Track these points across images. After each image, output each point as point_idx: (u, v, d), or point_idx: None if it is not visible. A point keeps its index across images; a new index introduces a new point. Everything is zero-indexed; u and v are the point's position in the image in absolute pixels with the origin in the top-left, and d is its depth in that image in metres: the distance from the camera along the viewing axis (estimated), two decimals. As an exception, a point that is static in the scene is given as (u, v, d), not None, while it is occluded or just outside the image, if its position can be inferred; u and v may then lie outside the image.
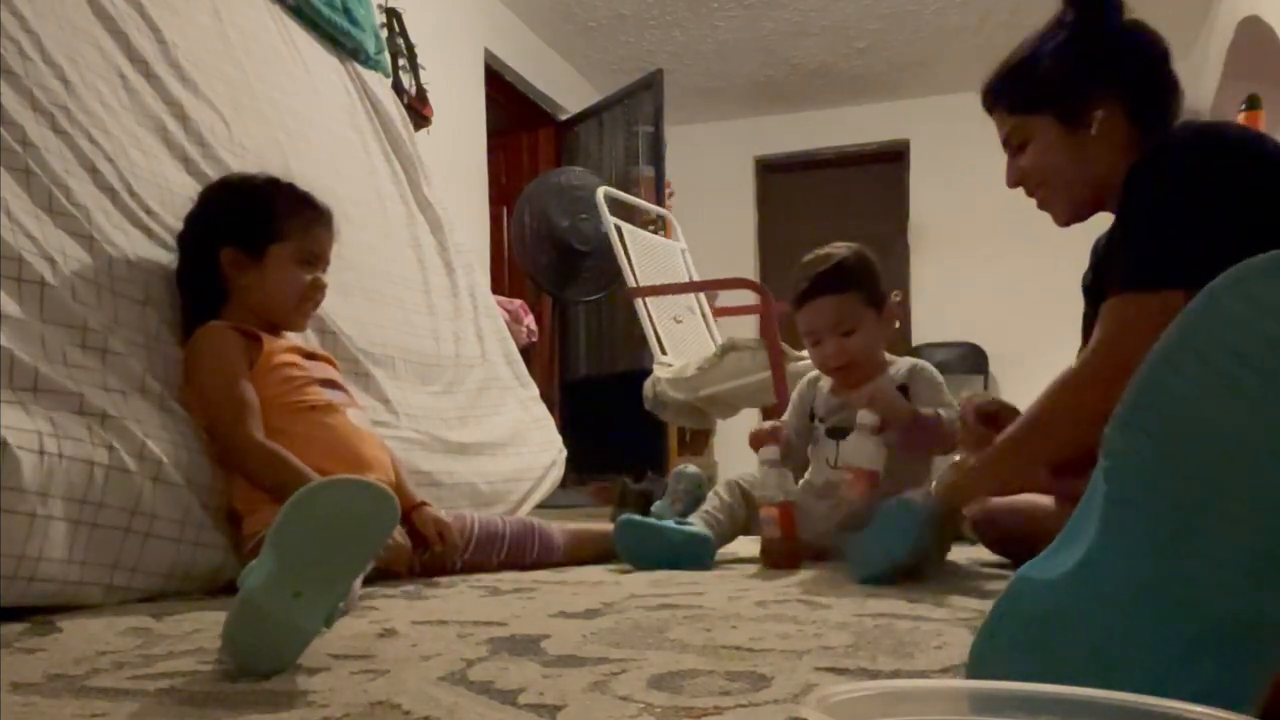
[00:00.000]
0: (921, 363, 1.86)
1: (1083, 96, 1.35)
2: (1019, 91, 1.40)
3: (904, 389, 1.80)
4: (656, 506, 1.99)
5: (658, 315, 3.22)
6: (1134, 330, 1.16)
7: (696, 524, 1.75)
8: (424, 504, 1.62)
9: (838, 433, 1.82)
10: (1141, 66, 1.37)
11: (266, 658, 0.83)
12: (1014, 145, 1.43)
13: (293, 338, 1.68)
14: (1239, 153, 1.23)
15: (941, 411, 1.73)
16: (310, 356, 1.64)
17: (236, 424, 1.42)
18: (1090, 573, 0.59)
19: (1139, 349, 0.59)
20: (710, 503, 1.82)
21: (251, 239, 1.56)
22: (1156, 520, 0.58)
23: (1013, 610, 0.61)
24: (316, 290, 1.63)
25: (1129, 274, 1.23)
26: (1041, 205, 1.44)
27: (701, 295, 3.64)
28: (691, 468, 2.04)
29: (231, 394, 1.45)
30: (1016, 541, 1.58)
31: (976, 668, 0.62)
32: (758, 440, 1.79)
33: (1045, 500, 1.55)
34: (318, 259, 1.63)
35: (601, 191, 3.40)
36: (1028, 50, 1.40)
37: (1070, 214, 1.42)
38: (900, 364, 1.86)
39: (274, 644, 0.84)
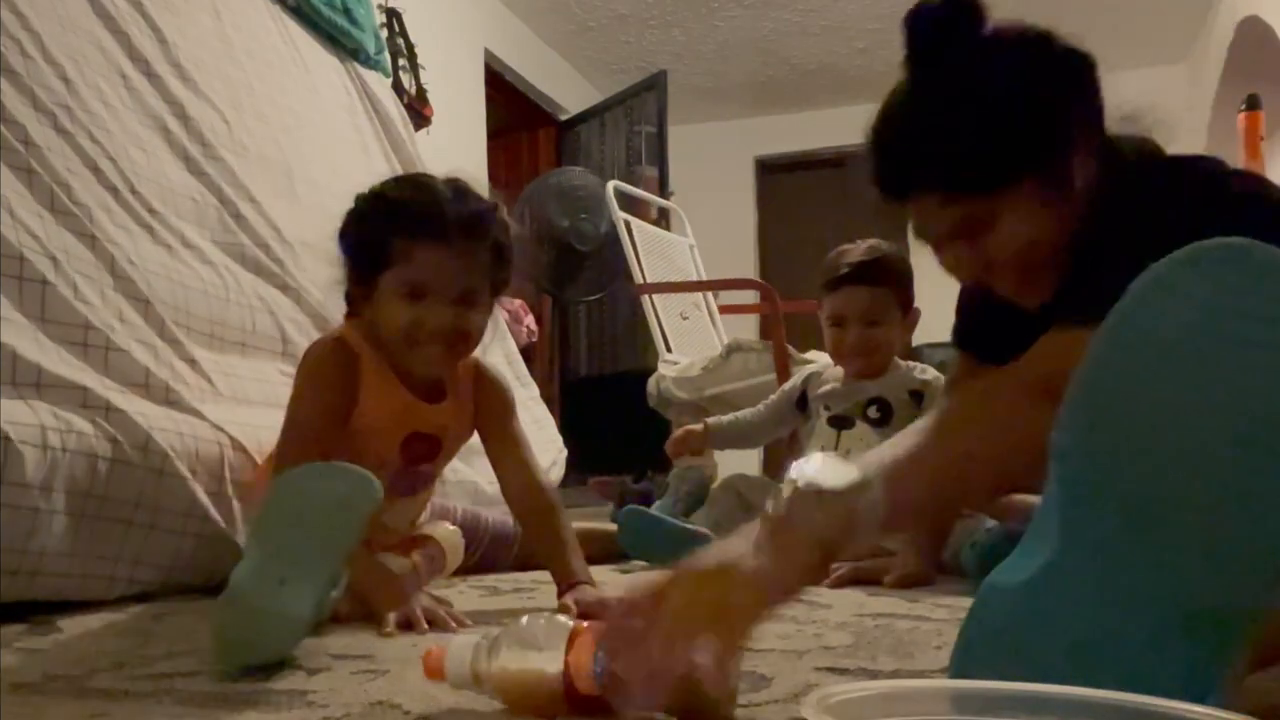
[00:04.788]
0: (937, 374, 1.89)
1: (1065, 142, 0.98)
2: (983, 163, 0.98)
3: (918, 395, 1.81)
4: (658, 505, 1.99)
5: (664, 312, 3.22)
6: None
7: (699, 526, 1.75)
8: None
9: (840, 421, 1.82)
10: (1096, 83, 1.03)
11: (260, 649, 0.84)
12: (966, 232, 1.01)
13: (441, 396, 1.38)
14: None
15: None
16: (422, 436, 1.35)
17: (288, 462, 1.20)
18: (1055, 574, 0.59)
19: None
20: (710, 506, 1.83)
21: (361, 268, 1.30)
22: (1111, 515, 0.58)
23: (985, 618, 0.62)
24: (429, 330, 1.26)
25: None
26: (1017, 292, 1.05)
27: (708, 292, 3.64)
28: (696, 466, 2.05)
29: (303, 429, 1.27)
30: None
31: (958, 677, 0.62)
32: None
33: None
34: (428, 290, 1.25)
35: (612, 186, 3.40)
36: (970, 98, 0.98)
37: (1053, 291, 1.03)
38: (916, 368, 1.87)
39: (265, 634, 0.84)
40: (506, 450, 1.39)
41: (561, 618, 0.71)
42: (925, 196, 1.03)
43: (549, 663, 0.67)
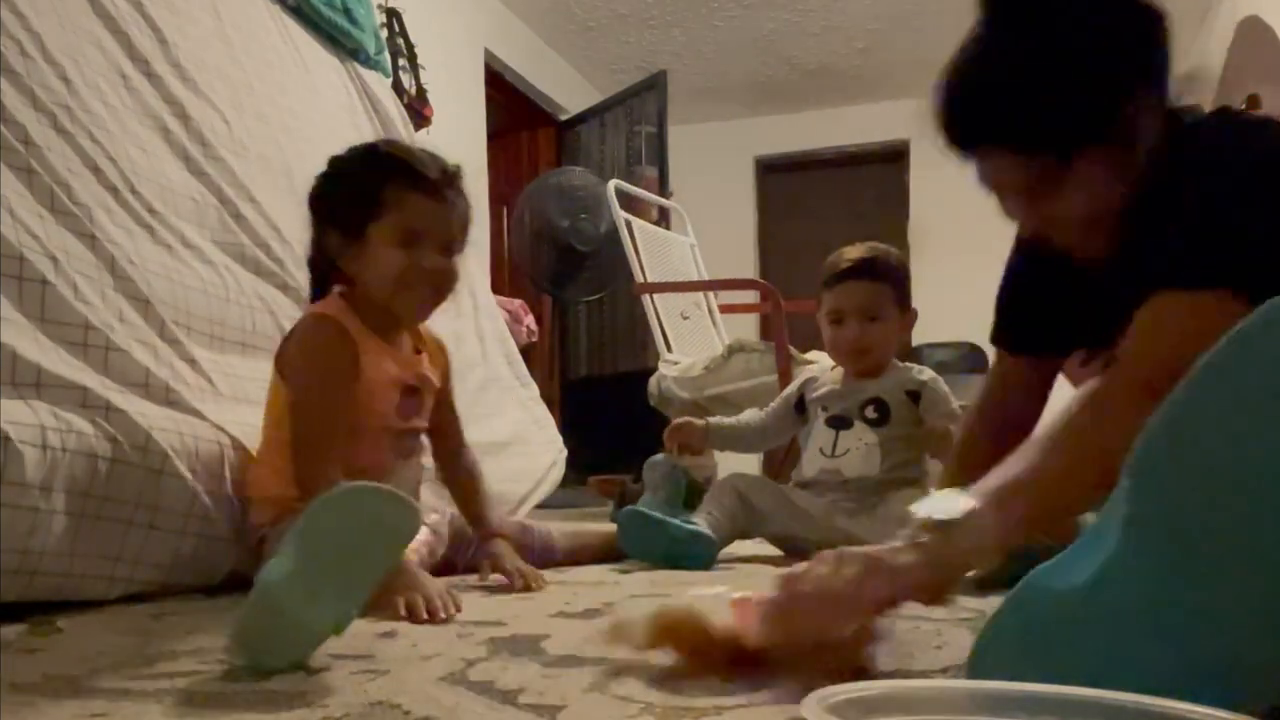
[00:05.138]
0: (934, 374, 1.90)
1: (1138, 103, 0.97)
2: (1061, 128, 0.96)
3: (915, 395, 1.82)
4: (642, 501, 1.98)
5: (665, 312, 3.22)
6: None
7: (700, 524, 1.75)
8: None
9: (839, 421, 1.84)
10: (1167, 37, 1.00)
11: (277, 654, 0.84)
12: (1033, 192, 1.02)
13: (413, 348, 1.51)
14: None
15: (953, 428, 1.76)
16: (411, 389, 1.46)
17: (316, 458, 1.31)
18: (1102, 589, 0.59)
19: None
20: (710, 506, 1.83)
21: (349, 219, 1.38)
22: (1172, 547, 0.57)
23: (1019, 614, 0.61)
24: (421, 273, 1.37)
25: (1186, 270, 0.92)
26: (1074, 247, 1.06)
27: (709, 292, 3.64)
28: (661, 455, 2.05)
29: (324, 420, 1.33)
30: None
31: (977, 667, 0.62)
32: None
33: None
34: (420, 237, 1.36)
35: (613, 185, 3.40)
36: (1050, 60, 0.95)
37: (1109, 245, 1.05)
38: (914, 369, 1.88)
39: (286, 641, 0.84)
40: (448, 410, 1.57)
41: (720, 588, 0.88)
42: (994, 152, 1.01)
43: (719, 625, 0.81)
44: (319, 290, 1.46)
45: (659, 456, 2.03)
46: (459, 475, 1.57)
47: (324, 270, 1.45)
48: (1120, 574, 0.58)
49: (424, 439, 1.54)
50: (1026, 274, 1.26)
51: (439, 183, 1.38)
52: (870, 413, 1.83)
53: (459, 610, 1.15)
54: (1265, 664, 0.55)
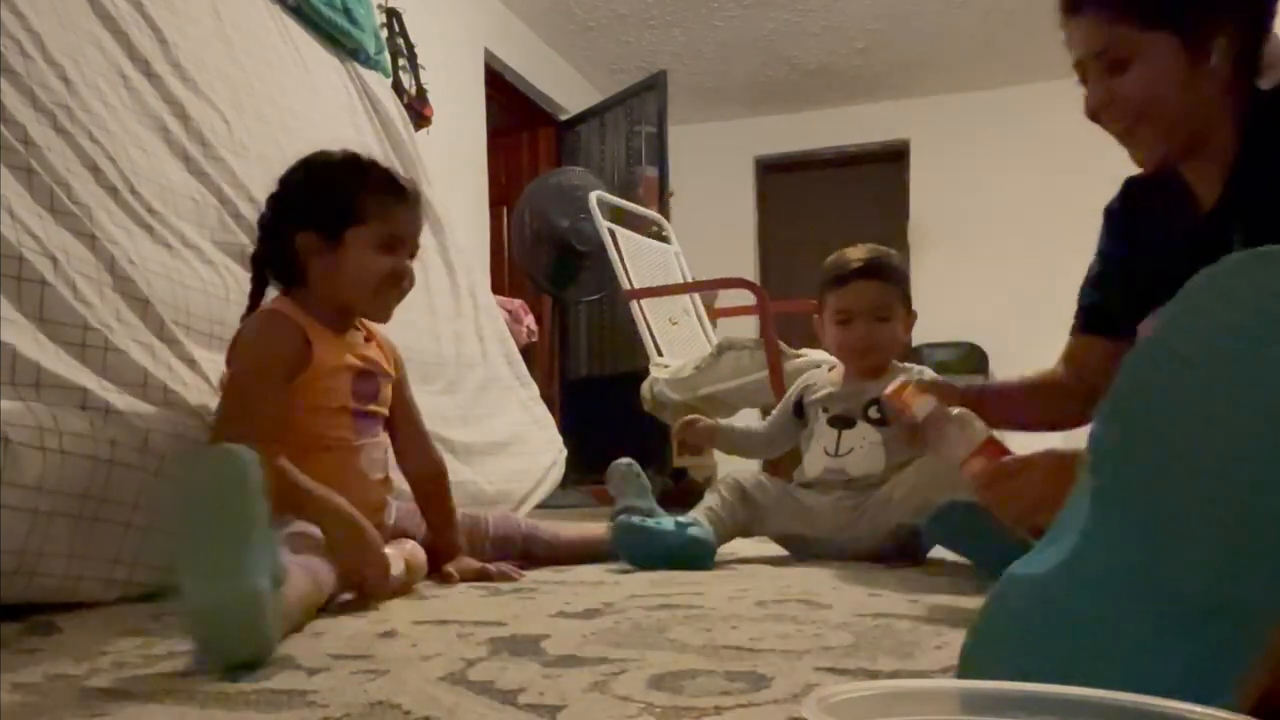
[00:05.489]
0: (935, 375, 1.90)
1: (1213, 17, 1.13)
2: None
3: None
4: (619, 506, 1.98)
5: (654, 317, 3.23)
6: None
7: (700, 521, 1.75)
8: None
9: (841, 421, 1.85)
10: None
11: (243, 635, 0.85)
12: (1108, 62, 1.17)
13: (363, 339, 1.56)
14: None
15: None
16: (366, 374, 1.50)
17: (234, 438, 1.28)
18: (1077, 564, 0.60)
19: None
20: (711, 500, 1.83)
21: (328, 223, 1.45)
22: (1137, 509, 0.59)
23: (1001, 608, 0.62)
24: (399, 277, 1.48)
25: None
26: (1127, 139, 1.21)
27: (697, 297, 3.65)
28: (619, 460, 2.06)
29: (251, 403, 1.35)
30: None
31: (967, 667, 0.62)
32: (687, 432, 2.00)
33: None
34: (400, 243, 1.48)
35: (594, 196, 3.41)
36: None
37: (1163, 157, 1.21)
38: (914, 369, 1.90)
39: (238, 621, 0.85)
40: (408, 412, 1.60)
41: (978, 423, 1.17)
42: (1095, 14, 1.17)
43: (968, 445, 1.15)
44: (258, 289, 1.51)
45: (616, 462, 2.05)
46: (421, 486, 1.58)
47: (265, 269, 1.51)
48: (1092, 545, 0.60)
49: (383, 429, 1.55)
50: (1121, 243, 1.36)
51: (412, 191, 1.51)
52: (873, 413, 1.84)
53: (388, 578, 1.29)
54: (1249, 608, 0.56)
